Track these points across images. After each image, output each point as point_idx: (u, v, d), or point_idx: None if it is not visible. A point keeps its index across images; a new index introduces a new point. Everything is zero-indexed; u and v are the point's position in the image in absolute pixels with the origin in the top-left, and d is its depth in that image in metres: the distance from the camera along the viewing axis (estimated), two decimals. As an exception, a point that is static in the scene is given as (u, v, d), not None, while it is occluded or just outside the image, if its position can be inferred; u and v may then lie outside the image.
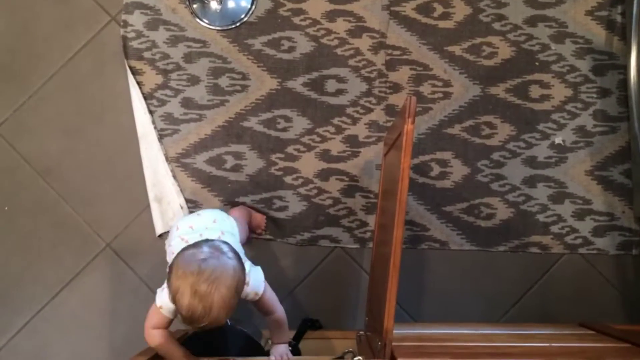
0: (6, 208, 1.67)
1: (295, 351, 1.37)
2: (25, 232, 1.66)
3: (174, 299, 1.09)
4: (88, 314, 1.65)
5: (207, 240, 1.15)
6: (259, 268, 1.25)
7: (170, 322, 1.20)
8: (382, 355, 1.08)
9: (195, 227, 1.26)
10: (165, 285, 1.15)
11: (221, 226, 1.29)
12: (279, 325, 1.26)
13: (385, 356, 1.07)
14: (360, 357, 1.27)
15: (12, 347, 1.64)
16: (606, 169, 1.67)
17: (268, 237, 1.65)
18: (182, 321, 1.10)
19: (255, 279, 1.20)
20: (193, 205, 1.66)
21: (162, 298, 1.17)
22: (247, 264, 1.22)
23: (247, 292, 1.19)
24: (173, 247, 1.22)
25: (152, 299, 1.65)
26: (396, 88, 1.68)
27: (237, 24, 1.69)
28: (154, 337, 1.19)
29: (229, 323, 1.34)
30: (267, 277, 1.65)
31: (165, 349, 1.19)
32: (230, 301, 1.08)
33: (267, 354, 1.27)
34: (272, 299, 1.25)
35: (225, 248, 1.13)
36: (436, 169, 1.67)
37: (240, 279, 1.11)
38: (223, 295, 1.06)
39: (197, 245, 1.12)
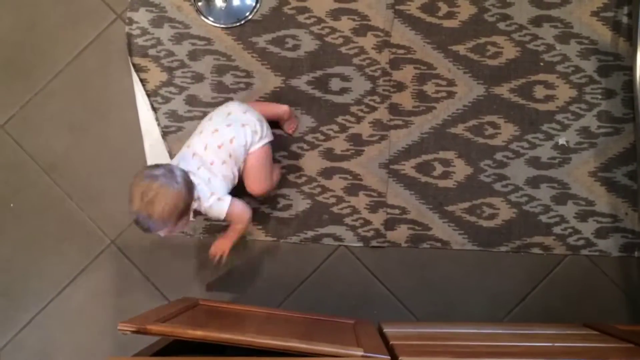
0: (12, 205, 1.68)
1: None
2: (30, 229, 1.67)
3: (130, 201, 1.29)
4: (93, 309, 1.66)
5: (166, 165, 1.35)
6: (224, 201, 1.41)
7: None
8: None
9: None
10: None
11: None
12: (234, 230, 1.48)
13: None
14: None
15: (17, 342, 1.66)
16: (610, 171, 1.67)
17: (271, 237, 1.66)
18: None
19: (217, 210, 1.40)
20: (197, 202, 1.66)
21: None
22: (214, 197, 1.39)
23: (211, 214, 1.42)
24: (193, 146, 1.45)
25: (156, 295, 1.66)
26: (400, 87, 1.68)
27: (242, 22, 1.69)
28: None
29: None
30: (270, 276, 1.66)
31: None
32: (168, 214, 1.29)
33: (263, 354, 1.27)
34: (238, 216, 1.45)
35: (177, 172, 1.32)
36: (439, 169, 1.67)
37: (183, 199, 1.31)
38: (163, 207, 1.28)
39: (155, 166, 1.33)
